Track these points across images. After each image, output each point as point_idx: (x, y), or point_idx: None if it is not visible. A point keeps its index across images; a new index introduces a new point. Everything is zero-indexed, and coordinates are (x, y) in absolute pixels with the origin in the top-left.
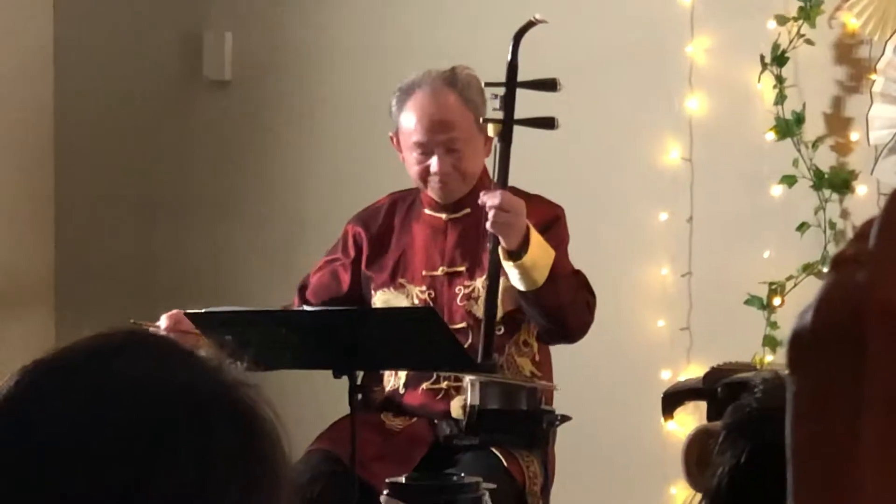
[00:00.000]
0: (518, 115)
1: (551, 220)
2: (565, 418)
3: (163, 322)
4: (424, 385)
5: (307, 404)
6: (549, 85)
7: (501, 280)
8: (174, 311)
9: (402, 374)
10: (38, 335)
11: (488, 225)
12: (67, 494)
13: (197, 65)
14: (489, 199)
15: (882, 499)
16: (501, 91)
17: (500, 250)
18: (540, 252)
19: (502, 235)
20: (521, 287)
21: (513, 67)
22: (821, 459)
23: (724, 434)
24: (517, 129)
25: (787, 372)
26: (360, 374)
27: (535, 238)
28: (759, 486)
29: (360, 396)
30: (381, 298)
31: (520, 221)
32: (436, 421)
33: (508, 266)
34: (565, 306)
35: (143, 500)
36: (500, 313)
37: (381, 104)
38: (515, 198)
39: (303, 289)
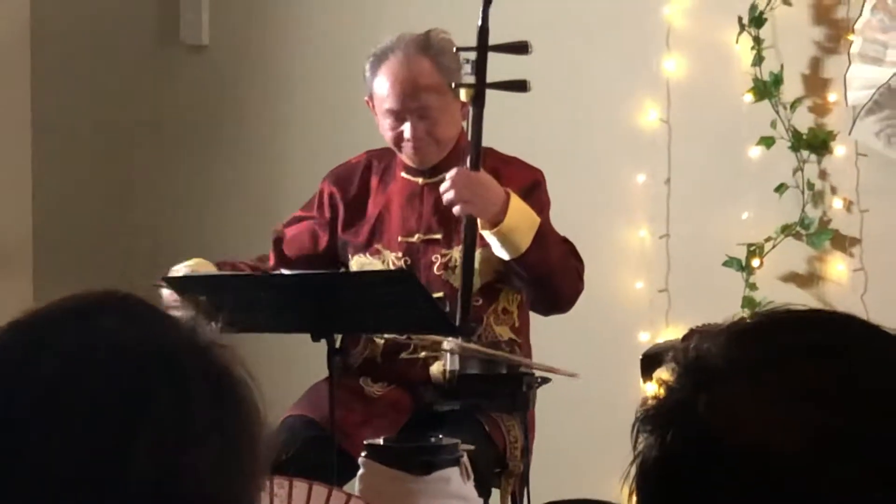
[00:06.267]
0: (495, 78)
1: (531, 186)
2: (545, 380)
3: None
4: (402, 355)
5: (284, 368)
6: (520, 48)
7: (480, 251)
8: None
9: (380, 344)
10: (16, 296)
11: (455, 210)
12: (46, 455)
13: (174, 29)
14: (444, 195)
15: None
16: (473, 55)
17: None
18: (520, 216)
19: (475, 215)
20: (505, 255)
21: (484, 31)
22: None
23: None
24: (493, 92)
25: None
26: (339, 337)
27: (516, 203)
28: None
29: (338, 360)
30: (357, 262)
31: (481, 195)
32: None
33: (487, 234)
34: (555, 271)
35: (122, 460)
36: (477, 284)
37: (357, 69)
38: (465, 175)
39: (278, 241)
